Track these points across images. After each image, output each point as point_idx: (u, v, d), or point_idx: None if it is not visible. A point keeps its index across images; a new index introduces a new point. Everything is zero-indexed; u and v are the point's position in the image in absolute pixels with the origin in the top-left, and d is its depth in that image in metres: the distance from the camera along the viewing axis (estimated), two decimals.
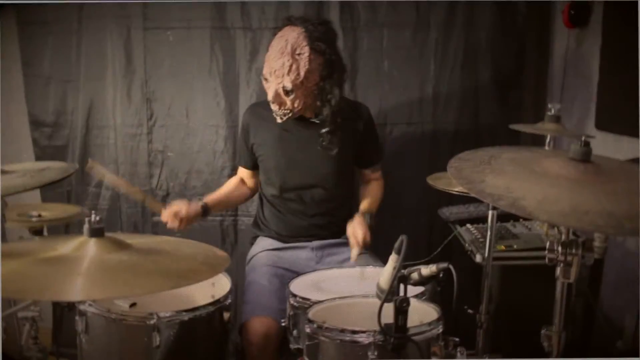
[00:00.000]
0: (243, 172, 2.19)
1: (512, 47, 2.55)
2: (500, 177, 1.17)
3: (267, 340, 1.72)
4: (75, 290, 1.09)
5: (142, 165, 2.60)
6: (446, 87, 2.57)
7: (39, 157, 2.62)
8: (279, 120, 1.96)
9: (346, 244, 2.05)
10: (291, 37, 1.86)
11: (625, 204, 1.07)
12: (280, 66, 1.85)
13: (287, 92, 1.88)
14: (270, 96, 1.90)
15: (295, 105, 1.91)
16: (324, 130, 1.97)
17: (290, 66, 1.84)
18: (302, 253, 2.06)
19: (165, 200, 2.62)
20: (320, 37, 1.90)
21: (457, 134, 2.59)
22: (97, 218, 1.23)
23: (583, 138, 1.20)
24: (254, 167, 2.14)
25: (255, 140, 2.07)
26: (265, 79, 1.91)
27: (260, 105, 2.10)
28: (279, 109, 1.92)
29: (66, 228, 2.46)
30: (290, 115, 1.94)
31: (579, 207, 1.03)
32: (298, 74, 1.86)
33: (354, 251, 1.90)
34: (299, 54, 1.86)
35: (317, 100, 1.94)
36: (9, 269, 1.11)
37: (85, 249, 1.19)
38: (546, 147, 2.04)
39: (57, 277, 1.10)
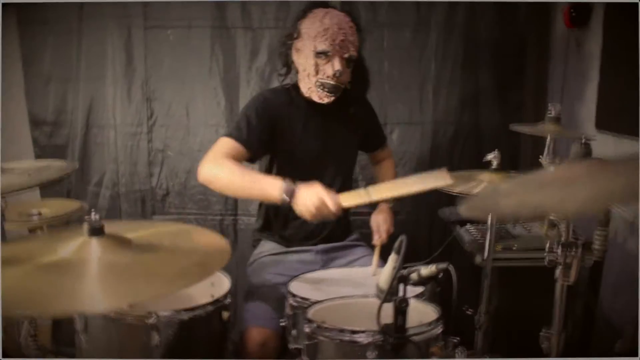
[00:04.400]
0: (239, 155, 1.82)
1: (512, 48, 2.56)
2: (511, 197, 1.15)
3: (264, 351, 1.72)
4: (94, 299, 1.04)
5: (142, 165, 2.61)
6: (446, 87, 2.57)
7: (39, 156, 2.63)
8: (325, 101, 1.86)
9: (351, 246, 2.02)
10: (339, 13, 1.86)
11: (635, 178, 1.07)
12: (344, 37, 1.82)
13: (348, 64, 1.86)
14: (337, 67, 1.81)
15: (344, 80, 1.87)
16: (348, 115, 1.96)
17: (352, 36, 1.84)
18: (306, 257, 1.98)
19: (164, 199, 2.62)
20: (356, 19, 1.91)
21: (458, 134, 2.59)
22: (97, 217, 1.22)
23: (583, 139, 1.20)
24: (253, 158, 1.90)
25: (282, 128, 1.89)
26: (326, 53, 1.81)
27: (280, 92, 1.96)
28: (334, 82, 1.84)
29: (66, 225, 2.46)
30: (337, 94, 1.87)
31: (600, 191, 1.03)
32: (356, 44, 1.87)
33: (375, 255, 1.86)
34: (350, 28, 1.85)
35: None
36: (10, 282, 1.04)
37: (87, 250, 1.16)
38: (546, 148, 2.03)
39: (64, 287, 1.05)
